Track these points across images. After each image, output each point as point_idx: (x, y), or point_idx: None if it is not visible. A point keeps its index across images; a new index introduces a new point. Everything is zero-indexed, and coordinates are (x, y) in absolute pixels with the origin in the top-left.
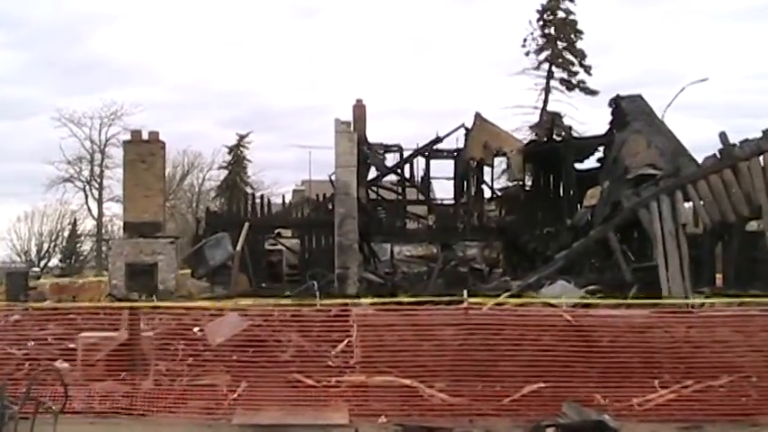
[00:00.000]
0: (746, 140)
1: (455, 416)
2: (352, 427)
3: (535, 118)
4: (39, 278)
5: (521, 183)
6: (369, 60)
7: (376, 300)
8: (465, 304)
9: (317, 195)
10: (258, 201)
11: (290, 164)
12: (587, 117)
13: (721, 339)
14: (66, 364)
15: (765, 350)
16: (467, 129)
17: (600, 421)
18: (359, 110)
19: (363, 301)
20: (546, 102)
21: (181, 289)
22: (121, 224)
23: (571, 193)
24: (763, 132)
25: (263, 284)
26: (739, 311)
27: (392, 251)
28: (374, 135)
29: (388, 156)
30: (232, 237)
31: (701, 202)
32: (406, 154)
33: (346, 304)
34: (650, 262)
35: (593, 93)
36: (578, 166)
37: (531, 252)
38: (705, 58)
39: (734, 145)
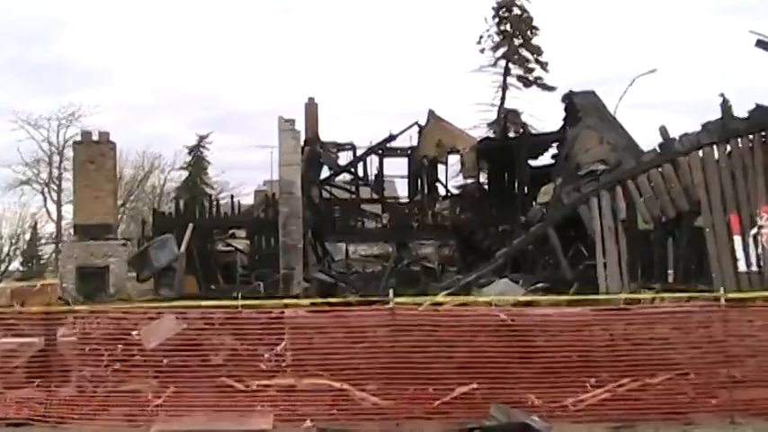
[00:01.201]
0: (686, 134)
1: (385, 419)
2: None
3: (494, 115)
4: None
5: (476, 180)
6: (333, 60)
7: (303, 300)
8: (391, 305)
9: (266, 195)
10: (207, 202)
11: (258, 164)
12: (546, 114)
13: (660, 336)
14: None
15: (704, 347)
16: (420, 126)
17: (525, 423)
18: (311, 108)
19: (296, 301)
20: (503, 99)
21: (121, 292)
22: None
23: (525, 190)
24: (703, 126)
25: (213, 286)
26: (678, 308)
27: (347, 250)
28: (337, 135)
29: (341, 154)
30: (180, 238)
31: (641, 198)
32: (359, 152)
33: (286, 306)
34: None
35: (550, 89)
36: (533, 162)
37: (486, 250)
38: (678, 56)
39: (673, 139)
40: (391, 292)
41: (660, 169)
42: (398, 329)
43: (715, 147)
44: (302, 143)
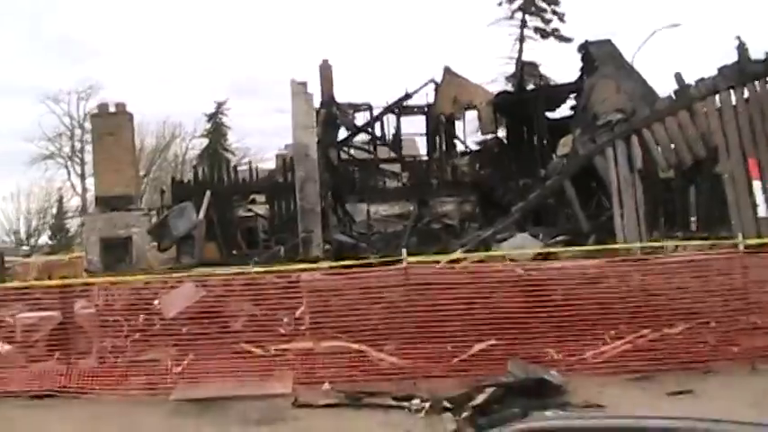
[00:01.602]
0: (702, 80)
1: (403, 379)
2: (292, 396)
3: (512, 68)
4: (29, 256)
5: (495, 135)
6: (350, 20)
7: (317, 263)
8: (404, 264)
9: (284, 159)
10: (225, 168)
11: (281, 129)
12: (564, 65)
13: (679, 286)
14: (8, 346)
15: (724, 294)
16: (436, 83)
17: (542, 378)
18: (325, 70)
19: (311, 265)
20: (521, 51)
21: (141, 262)
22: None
23: (544, 142)
24: (719, 70)
25: (234, 252)
26: (696, 256)
27: (368, 211)
28: (355, 96)
29: (358, 115)
30: (200, 206)
31: (657, 146)
32: (376, 112)
33: (303, 270)
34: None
35: (567, 40)
36: (551, 114)
37: (507, 205)
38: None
39: (689, 85)
40: (404, 251)
41: (676, 116)
42: (413, 289)
43: (732, 91)
44: (318, 105)
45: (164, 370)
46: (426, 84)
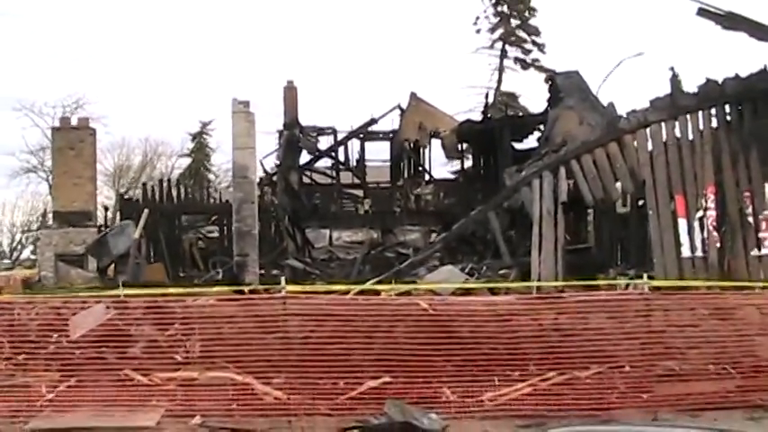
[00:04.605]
0: (633, 111)
1: (284, 415)
2: (156, 430)
3: (491, 98)
4: (11, 269)
5: (462, 165)
6: (327, 44)
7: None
8: (283, 293)
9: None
10: (175, 187)
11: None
12: (544, 96)
13: (594, 326)
14: None
15: (641, 336)
16: (402, 109)
17: (408, 423)
18: (290, 92)
19: (205, 290)
20: (500, 81)
21: (63, 280)
22: None
23: None
24: (651, 102)
25: (182, 274)
26: (613, 295)
27: (331, 237)
28: (326, 120)
29: (322, 139)
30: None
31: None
32: (341, 137)
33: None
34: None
35: (548, 71)
36: (519, 145)
37: (470, 235)
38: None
39: (620, 117)
40: (283, 280)
41: (605, 148)
42: (299, 320)
43: (663, 124)
44: (281, 127)
45: (35, 396)
46: (392, 109)
